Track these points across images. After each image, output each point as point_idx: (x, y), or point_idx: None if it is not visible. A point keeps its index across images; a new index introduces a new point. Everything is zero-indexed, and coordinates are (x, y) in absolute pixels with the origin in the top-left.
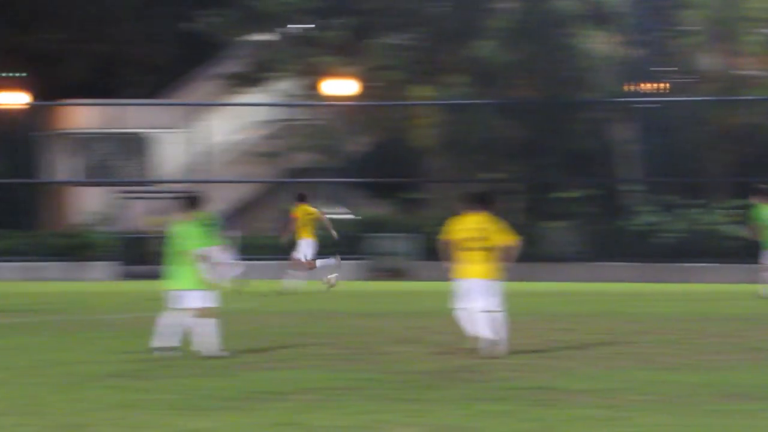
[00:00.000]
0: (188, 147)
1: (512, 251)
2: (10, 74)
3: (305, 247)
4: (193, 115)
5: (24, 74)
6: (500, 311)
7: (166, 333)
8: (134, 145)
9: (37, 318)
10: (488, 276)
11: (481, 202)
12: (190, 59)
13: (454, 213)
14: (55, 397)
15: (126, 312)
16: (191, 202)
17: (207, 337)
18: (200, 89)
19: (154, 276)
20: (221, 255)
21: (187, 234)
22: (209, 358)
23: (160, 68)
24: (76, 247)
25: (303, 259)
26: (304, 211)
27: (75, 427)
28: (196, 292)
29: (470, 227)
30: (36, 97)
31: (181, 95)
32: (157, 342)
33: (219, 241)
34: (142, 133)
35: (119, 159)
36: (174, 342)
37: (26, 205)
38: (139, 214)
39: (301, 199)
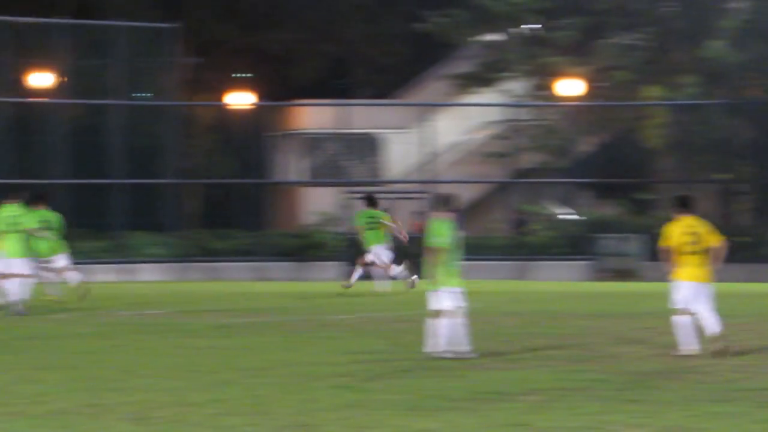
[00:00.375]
0: (417, 147)
1: (721, 252)
2: (240, 75)
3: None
4: (423, 115)
5: (254, 75)
6: (713, 311)
7: (463, 335)
8: (364, 146)
9: (265, 318)
10: (703, 278)
11: (684, 206)
12: (421, 59)
13: (668, 218)
14: (283, 397)
15: (352, 313)
16: (443, 201)
17: (440, 337)
18: (430, 89)
19: (379, 277)
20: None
21: (436, 233)
22: (440, 358)
23: (391, 68)
24: (304, 248)
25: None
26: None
27: (302, 427)
28: (441, 291)
29: (683, 231)
30: (265, 97)
31: (411, 95)
32: (463, 347)
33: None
34: (371, 133)
35: (348, 159)
36: (463, 346)
37: (255, 205)
38: None
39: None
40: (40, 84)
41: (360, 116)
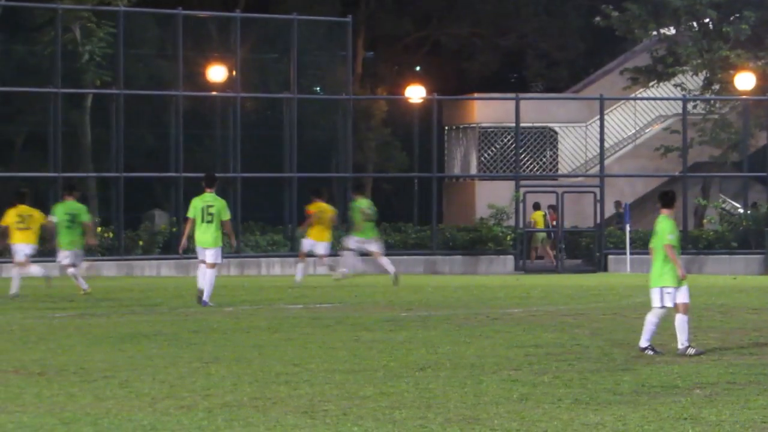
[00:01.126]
0: (590, 141)
1: None
2: (414, 68)
3: (311, 246)
4: (595, 109)
5: (427, 69)
6: None
7: (649, 331)
8: (537, 139)
9: (433, 312)
10: None
11: None
12: (595, 53)
13: None
14: (451, 390)
15: (521, 306)
16: (667, 198)
17: (681, 333)
18: (604, 84)
19: (550, 270)
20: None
21: (666, 230)
22: (683, 354)
23: (565, 62)
24: (476, 241)
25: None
26: (317, 208)
27: (472, 421)
28: (666, 289)
29: None
30: (439, 91)
31: (586, 89)
32: (642, 342)
33: None
34: (544, 127)
35: (521, 153)
36: (644, 342)
37: (426, 199)
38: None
39: (317, 194)
40: (215, 78)
41: (533, 110)
